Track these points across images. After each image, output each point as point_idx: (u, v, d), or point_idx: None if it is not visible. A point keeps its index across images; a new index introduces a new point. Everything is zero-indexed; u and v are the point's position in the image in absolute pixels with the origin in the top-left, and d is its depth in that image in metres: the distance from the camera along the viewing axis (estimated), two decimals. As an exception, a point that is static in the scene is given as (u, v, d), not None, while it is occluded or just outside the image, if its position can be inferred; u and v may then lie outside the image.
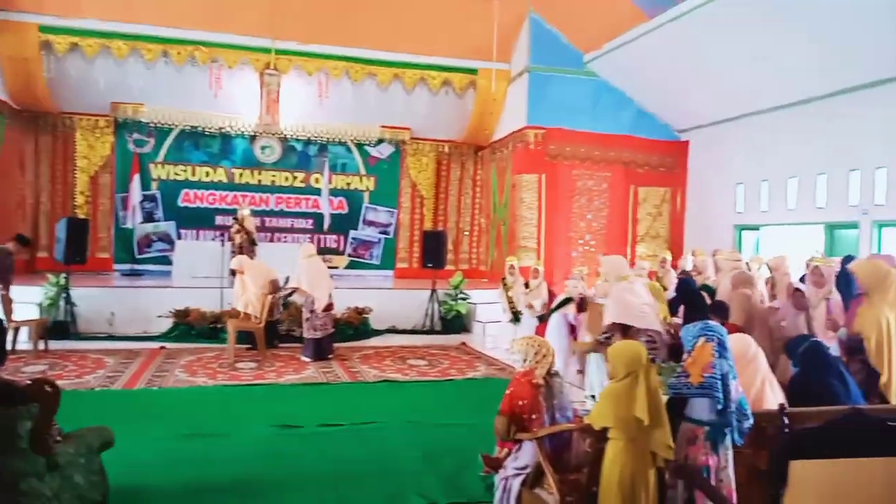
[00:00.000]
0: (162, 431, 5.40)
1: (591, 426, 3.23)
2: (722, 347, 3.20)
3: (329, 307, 8.95)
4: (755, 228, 11.27)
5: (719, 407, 3.09)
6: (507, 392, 3.98)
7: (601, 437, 3.20)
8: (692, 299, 6.48)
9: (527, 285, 9.37)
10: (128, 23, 11.51)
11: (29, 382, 3.07)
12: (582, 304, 7.42)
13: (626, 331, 5.49)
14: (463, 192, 15.14)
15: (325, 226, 13.85)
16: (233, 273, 9.24)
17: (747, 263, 7.95)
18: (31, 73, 11.42)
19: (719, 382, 3.10)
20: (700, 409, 3.20)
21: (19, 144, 12.28)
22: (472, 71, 13.08)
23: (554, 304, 7.95)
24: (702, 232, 12.13)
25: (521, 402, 3.85)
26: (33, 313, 9.14)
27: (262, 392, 7.02)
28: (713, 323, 3.39)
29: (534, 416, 3.77)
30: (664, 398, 3.24)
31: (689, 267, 8.85)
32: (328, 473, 4.66)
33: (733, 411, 3.12)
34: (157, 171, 13.47)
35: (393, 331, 10.95)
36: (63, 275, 9.67)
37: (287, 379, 7.65)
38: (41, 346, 8.48)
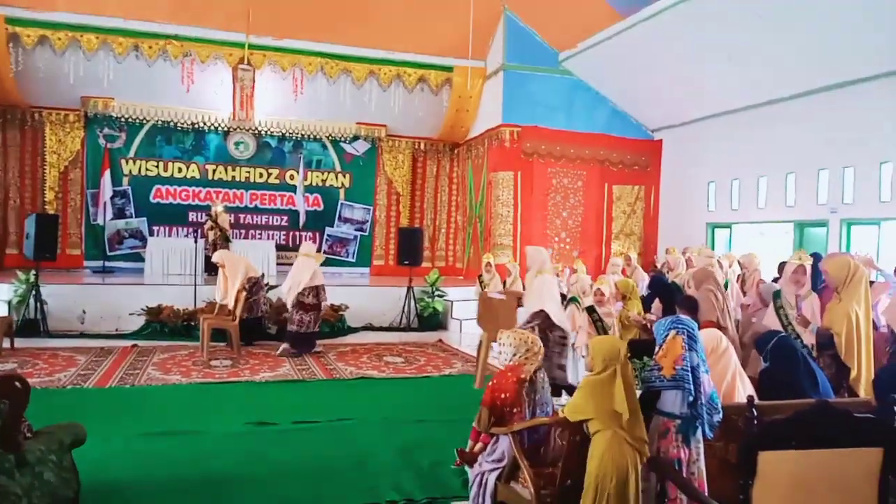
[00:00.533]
0: (135, 429, 5.34)
1: (567, 419, 3.27)
2: (692, 340, 3.27)
3: (305, 305, 8.84)
4: (727, 227, 11.45)
5: (690, 399, 3.15)
6: (490, 384, 3.99)
7: (577, 430, 3.23)
8: (666, 295, 6.57)
9: (505, 284, 9.46)
10: (98, 16, 11.34)
11: (-3, 378, 3.03)
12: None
13: (548, 319, 5.91)
14: (439, 190, 15.16)
15: (301, 223, 13.79)
16: (215, 267, 9.19)
17: (718, 260, 8.08)
18: (-2, 67, 11.20)
19: (689, 375, 3.16)
20: (672, 402, 3.25)
21: (-13, 139, 12.03)
22: (448, 68, 13.11)
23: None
24: (675, 229, 12.30)
25: (503, 395, 3.85)
26: (2, 311, 8.97)
27: (236, 389, 6.97)
28: (684, 316, 3.46)
29: (515, 410, 3.79)
30: (637, 392, 3.29)
31: (659, 264, 9.00)
32: (304, 470, 4.65)
33: (704, 404, 3.18)
34: (129, 167, 13.28)
35: (369, 328, 10.94)
36: (32, 272, 9.50)
37: (262, 376, 7.60)
38: (6, 344, 8.30)
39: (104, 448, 4.57)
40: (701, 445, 3.24)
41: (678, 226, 12.26)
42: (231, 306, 8.57)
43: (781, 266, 6.88)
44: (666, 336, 3.33)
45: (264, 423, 5.69)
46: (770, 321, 5.32)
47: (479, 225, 13.25)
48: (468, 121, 13.79)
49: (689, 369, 3.19)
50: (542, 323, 5.99)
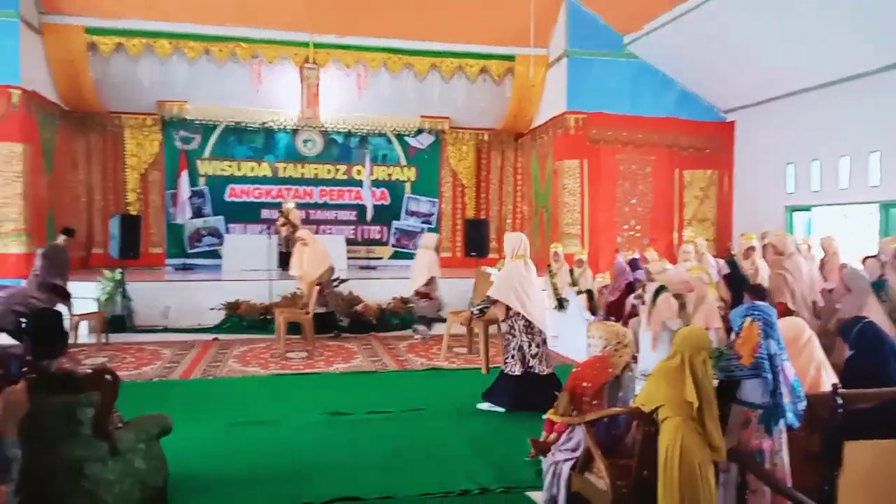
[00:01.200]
0: (218, 419, 5.57)
1: (641, 409, 3.22)
2: (769, 327, 3.15)
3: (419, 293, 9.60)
4: (807, 209, 10.97)
5: (770, 388, 3.04)
6: (574, 371, 3.98)
7: (650, 420, 3.18)
8: (734, 283, 6.39)
9: (572, 273, 9.36)
10: (170, 21, 11.74)
11: (89, 371, 3.20)
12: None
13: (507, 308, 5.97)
14: (504, 180, 15.09)
15: (369, 217, 13.97)
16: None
17: (797, 246, 7.75)
18: (78, 75, 11.74)
19: (768, 362, 3.06)
20: (752, 391, 3.15)
21: (71, 144, 12.69)
22: (510, 58, 12.99)
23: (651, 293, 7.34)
24: (751, 214, 11.85)
25: (584, 384, 3.83)
26: (91, 308, 9.48)
27: (312, 380, 7.15)
28: (760, 303, 3.34)
29: (594, 402, 3.77)
30: (714, 383, 3.20)
31: (735, 250, 8.70)
32: (379, 459, 4.75)
33: (783, 393, 3.07)
34: (204, 167, 13.78)
35: (440, 319, 11.00)
36: (118, 270, 9.99)
37: (336, 368, 7.78)
38: (101, 339, 8.81)
39: (189, 438, 4.78)
40: (784, 436, 3.13)
41: (754, 210, 11.80)
42: (305, 296, 8.84)
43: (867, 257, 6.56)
44: (742, 323, 3.23)
45: (339, 413, 5.83)
46: (853, 306, 5.09)
47: (546, 215, 13.13)
48: (531, 110, 13.65)
49: (767, 357, 3.08)
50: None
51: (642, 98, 12.23)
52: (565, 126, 12.14)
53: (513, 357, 6.01)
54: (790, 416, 3.07)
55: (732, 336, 3.32)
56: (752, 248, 7.65)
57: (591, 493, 3.54)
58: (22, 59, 10.32)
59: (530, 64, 12.39)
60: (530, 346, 5.98)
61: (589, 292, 8.57)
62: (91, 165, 13.21)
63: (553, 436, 4.15)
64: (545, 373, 5.98)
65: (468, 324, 8.14)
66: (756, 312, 3.20)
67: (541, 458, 4.27)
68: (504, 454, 4.81)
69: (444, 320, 9.52)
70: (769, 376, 3.06)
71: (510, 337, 6.05)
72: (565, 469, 3.74)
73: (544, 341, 6.09)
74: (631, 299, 7.93)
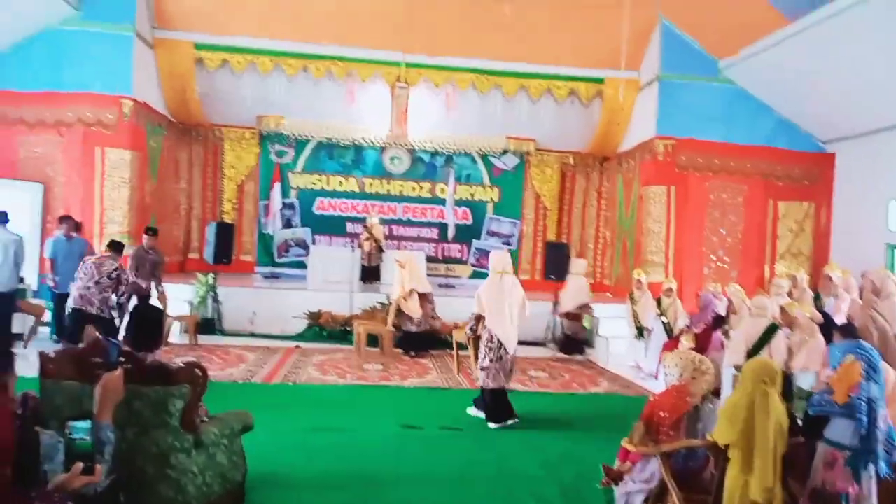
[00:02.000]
0: (295, 423, 5.75)
1: (716, 443, 3.12)
2: (872, 370, 2.99)
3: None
4: (911, 247, 10.30)
5: (863, 432, 2.88)
6: (652, 399, 3.91)
7: (725, 454, 3.07)
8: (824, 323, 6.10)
9: (659, 303, 9.09)
10: (273, 39, 12.29)
11: (181, 365, 3.38)
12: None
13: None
14: (587, 204, 14.92)
15: (450, 235, 14.10)
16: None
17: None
18: (185, 88, 12.45)
19: (865, 405, 2.90)
20: (842, 431, 3.00)
21: (175, 154, 13.46)
22: (599, 80, 12.88)
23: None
24: (849, 250, 11.22)
25: (662, 414, 3.74)
26: (185, 310, 9.98)
27: (387, 393, 7.26)
28: (867, 343, 3.18)
29: (671, 433, 3.66)
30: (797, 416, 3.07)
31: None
32: (448, 474, 4.77)
33: (880, 440, 2.90)
34: (296, 180, 14.31)
35: (586, 343, 10.91)
36: (211, 275, 10.48)
37: (410, 382, 7.87)
38: (192, 340, 9.25)
39: (268, 438, 4.94)
40: (873, 482, 2.95)
41: (853, 246, 11.16)
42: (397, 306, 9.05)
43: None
44: (842, 360, 3.07)
45: (412, 427, 5.89)
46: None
47: (629, 241, 12.88)
48: (619, 133, 13.47)
49: (866, 400, 2.92)
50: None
51: (736, 125, 11.85)
52: (653, 151, 11.91)
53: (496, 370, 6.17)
54: (882, 464, 2.90)
55: (828, 371, 3.17)
56: (829, 278, 7.29)
57: (663, 527, 3.44)
58: (134, 72, 11.04)
59: (620, 87, 12.27)
60: (484, 358, 6.15)
61: (667, 325, 8.35)
62: (192, 174, 13.96)
63: (627, 464, 4.06)
64: (490, 387, 6.13)
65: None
66: (861, 352, 3.05)
67: (613, 486, 4.18)
68: (575, 478, 4.73)
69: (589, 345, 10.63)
70: (864, 419, 2.90)
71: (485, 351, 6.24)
72: (638, 501, 3.65)
73: (499, 358, 6.13)
74: (719, 335, 7.66)
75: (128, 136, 11.00)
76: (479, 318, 6.37)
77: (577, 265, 11.11)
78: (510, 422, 6.11)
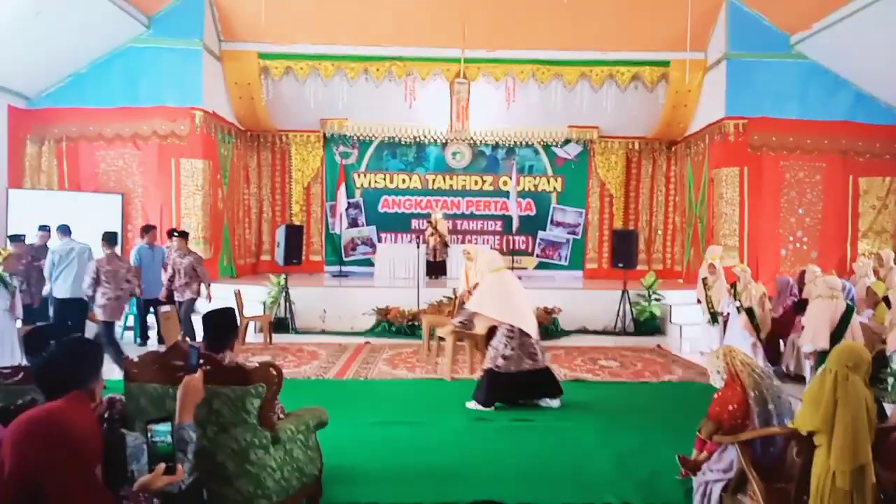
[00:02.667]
0: (368, 418, 5.86)
1: (797, 431, 3.00)
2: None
3: None
4: None
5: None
6: (716, 396, 3.84)
7: (808, 441, 2.95)
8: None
9: (734, 287, 8.79)
10: (333, 45, 12.51)
11: (256, 365, 3.49)
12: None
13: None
14: (655, 190, 14.57)
15: (514, 227, 14.04)
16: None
17: None
18: (252, 97, 12.84)
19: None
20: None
21: (244, 161, 13.91)
22: (664, 63, 12.54)
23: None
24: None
25: (730, 407, 3.69)
26: (259, 310, 10.30)
27: (456, 386, 7.29)
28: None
29: (746, 422, 3.59)
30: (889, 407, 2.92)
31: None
32: (521, 467, 4.76)
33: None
34: (360, 180, 14.54)
35: (583, 331, 10.84)
36: (283, 275, 10.78)
37: (479, 375, 7.85)
38: (266, 339, 9.55)
39: (342, 433, 5.05)
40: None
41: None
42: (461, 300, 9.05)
43: None
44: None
45: (483, 419, 5.92)
46: None
47: (700, 225, 12.51)
48: (686, 116, 13.09)
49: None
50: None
51: (811, 101, 11.34)
52: (723, 132, 11.53)
53: (491, 357, 6.34)
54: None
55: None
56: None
57: (744, 518, 3.34)
58: (204, 84, 11.46)
59: (686, 69, 11.90)
60: (506, 347, 6.28)
61: (749, 311, 8.05)
62: (261, 179, 14.39)
63: (704, 454, 3.97)
64: (511, 370, 6.25)
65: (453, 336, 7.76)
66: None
67: (691, 476, 4.09)
68: (650, 471, 4.64)
69: None
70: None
71: (493, 339, 6.43)
72: (716, 490, 3.56)
73: (522, 345, 6.30)
74: (803, 320, 7.36)
75: (200, 146, 11.42)
76: (472, 316, 6.63)
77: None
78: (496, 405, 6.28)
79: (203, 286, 8.89)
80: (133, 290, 8.10)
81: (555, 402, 6.40)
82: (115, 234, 8.01)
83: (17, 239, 8.70)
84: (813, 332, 6.17)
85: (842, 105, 11.35)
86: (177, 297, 8.76)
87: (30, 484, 1.84)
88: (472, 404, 6.33)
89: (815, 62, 11.24)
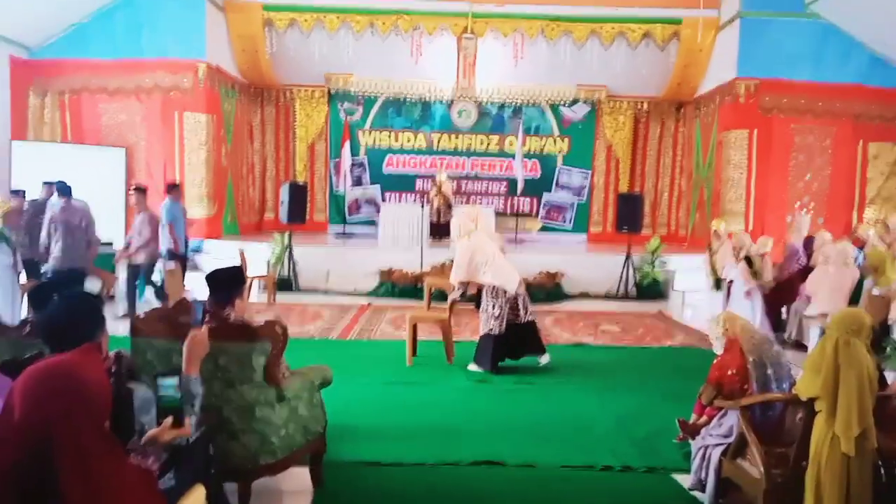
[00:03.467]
0: (371, 378, 5.91)
1: (797, 396, 3.02)
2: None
3: None
4: None
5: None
6: (716, 361, 3.86)
7: (809, 407, 2.97)
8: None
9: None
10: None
11: (262, 323, 3.50)
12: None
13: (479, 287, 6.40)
14: (662, 153, 14.44)
15: (519, 189, 13.96)
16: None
17: None
18: (256, 50, 12.63)
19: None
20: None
21: (248, 116, 13.78)
22: (676, 21, 12.28)
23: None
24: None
25: (730, 372, 3.71)
26: (263, 269, 10.31)
27: (458, 348, 7.31)
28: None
29: (745, 387, 3.61)
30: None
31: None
32: (522, 428, 4.81)
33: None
34: (365, 139, 14.42)
35: (585, 296, 10.85)
36: (287, 234, 10.77)
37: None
38: (270, 298, 9.58)
39: (346, 392, 5.09)
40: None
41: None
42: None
43: None
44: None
45: (484, 381, 5.97)
46: None
47: (707, 190, 12.42)
48: (697, 77, 12.88)
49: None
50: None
51: (825, 63, 11.14)
52: (734, 93, 11.36)
53: (495, 318, 6.31)
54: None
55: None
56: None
57: (742, 480, 3.38)
58: (207, 36, 11.28)
59: (699, 27, 11.68)
60: (494, 307, 6.29)
61: (747, 259, 7.97)
62: (265, 136, 14.28)
63: (703, 419, 4.01)
64: (497, 332, 6.27)
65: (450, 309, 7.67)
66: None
67: (689, 441, 4.13)
68: (649, 433, 4.69)
69: None
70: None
71: (483, 303, 6.42)
72: (715, 454, 3.59)
73: (509, 301, 6.32)
74: (806, 288, 7.36)
75: (203, 100, 11.31)
76: (464, 284, 6.54)
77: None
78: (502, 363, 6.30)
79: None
80: (90, 240, 7.94)
81: (544, 359, 6.45)
82: (67, 185, 7.91)
83: (16, 194, 8.66)
84: (826, 298, 6.20)
85: (855, 68, 11.17)
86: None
87: (40, 434, 1.86)
88: (473, 367, 6.37)
89: (829, 23, 11.01)
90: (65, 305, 2.45)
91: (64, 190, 7.57)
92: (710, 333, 4.17)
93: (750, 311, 7.25)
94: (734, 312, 4.12)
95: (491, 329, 6.30)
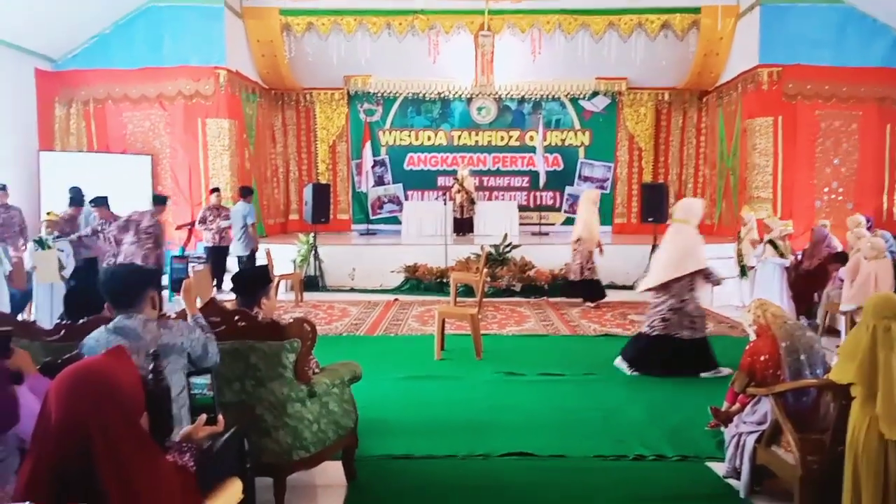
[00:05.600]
0: (400, 372, 5.94)
1: (833, 382, 2.98)
2: None
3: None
4: None
5: None
6: (748, 347, 3.83)
7: (845, 393, 2.93)
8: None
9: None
10: (355, -2, 12.34)
11: (291, 321, 3.54)
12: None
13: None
14: (685, 142, 14.29)
15: (541, 183, 13.91)
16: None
17: None
18: (275, 55, 12.74)
19: None
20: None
21: (269, 120, 13.91)
22: (695, 10, 12.15)
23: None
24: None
25: (762, 357, 3.67)
26: (289, 269, 10.41)
27: (486, 341, 7.32)
28: None
29: (778, 373, 3.57)
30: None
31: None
32: (552, 420, 4.80)
33: None
34: (385, 138, 14.48)
35: (612, 286, 10.77)
36: (311, 234, 10.85)
37: (509, 330, 7.92)
38: (298, 297, 9.68)
39: (375, 388, 5.14)
40: None
41: None
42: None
43: None
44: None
45: (513, 374, 5.96)
46: None
47: (732, 178, 12.27)
48: (718, 65, 12.73)
49: None
50: None
51: (848, 47, 10.94)
52: (757, 81, 11.21)
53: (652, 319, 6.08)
54: None
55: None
56: None
57: (778, 467, 3.35)
58: (227, 43, 11.40)
59: (718, 15, 11.54)
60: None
61: (771, 242, 7.85)
62: (287, 139, 14.40)
63: (736, 406, 3.97)
64: (686, 337, 5.89)
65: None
66: None
67: (721, 428, 4.10)
68: (681, 422, 4.66)
69: None
70: None
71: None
72: (750, 441, 3.56)
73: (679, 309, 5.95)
74: (839, 274, 7.25)
75: (225, 106, 11.43)
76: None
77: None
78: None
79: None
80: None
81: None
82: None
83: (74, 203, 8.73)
84: (860, 292, 6.14)
85: (880, 51, 10.95)
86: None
87: (78, 434, 1.90)
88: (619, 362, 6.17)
89: (852, 6, 10.82)
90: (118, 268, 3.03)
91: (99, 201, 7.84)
92: (744, 321, 4.15)
93: (778, 297, 7.18)
94: (765, 299, 4.07)
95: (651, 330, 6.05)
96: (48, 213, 8.05)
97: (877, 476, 2.77)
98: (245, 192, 9.97)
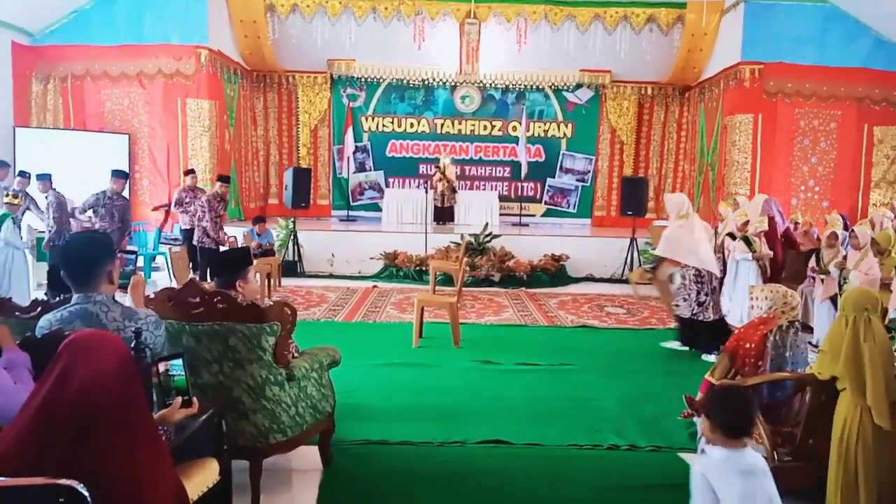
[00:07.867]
0: (377, 359, 5.94)
1: (814, 376, 3.04)
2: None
3: None
4: None
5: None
6: (737, 332, 3.88)
7: (825, 387, 2.99)
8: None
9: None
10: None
11: (271, 304, 3.52)
12: None
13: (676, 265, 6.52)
14: (666, 137, 14.40)
15: (522, 174, 13.94)
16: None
17: None
18: (258, 36, 12.55)
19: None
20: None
21: (251, 102, 13.75)
22: (681, 5, 12.22)
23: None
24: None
25: (747, 345, 3.73)
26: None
27: (463, 330, 7.34)
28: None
29: (759, 364, 3.63)
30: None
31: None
32: (527, 408, 4.85)
33: None
34: (368, 124, 14.39)
35: (590, 279, 10.87)
36: (291, 219, 10.77)
37: (487, 320, 7.96)
38: (276, 281, 9.60)
39: (352, 373, 5.13)
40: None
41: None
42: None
43: None
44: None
45: (490, 363, 5.99)
46: None
47: (711, 173, 12.39)
48: (701, 61, 12.81)
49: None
50: None
51: (829, 46, 11.06)
52: (738, 77, 11.30)
53: (684, 300, 6.49)
54: None
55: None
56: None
57: (748, 459, 3.40)
58: (209, 21, 11.21)
59: (703, 11, 11.60)
60: (699, 294, 6.40)
61: (745, 239, 7.92)
62: (268, 122, 14.25)
63: (711, 397, 4.02)
64: (710, 319, 6.39)
65: (644, 280, 7.96)
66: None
67: (695, 418, 4.15)
68: (655, 414, 4.72)
69: None
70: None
71: (683, 286, 6.58)
72: (721, 433, 3.62)
73: (713, 290, 6.46)
74: (810, 269, 7.36)
75: (206, 86, 11.26)
76: (662, 261, 6.64)
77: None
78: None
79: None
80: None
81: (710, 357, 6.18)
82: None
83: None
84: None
85: (861, 51, 11.08)
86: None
87: (78, 407, 1.83)
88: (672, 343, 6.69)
89: (835, 6, 10.93)
90: (73, 242, 2.87)
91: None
92: (756, 297, 4.07)
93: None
94: (791, 293, 4.00)
95: (692, 314, 6.43)
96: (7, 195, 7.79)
97: (876, 465, 2.80)
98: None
